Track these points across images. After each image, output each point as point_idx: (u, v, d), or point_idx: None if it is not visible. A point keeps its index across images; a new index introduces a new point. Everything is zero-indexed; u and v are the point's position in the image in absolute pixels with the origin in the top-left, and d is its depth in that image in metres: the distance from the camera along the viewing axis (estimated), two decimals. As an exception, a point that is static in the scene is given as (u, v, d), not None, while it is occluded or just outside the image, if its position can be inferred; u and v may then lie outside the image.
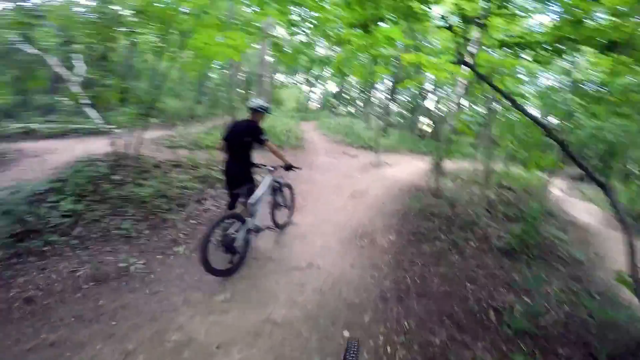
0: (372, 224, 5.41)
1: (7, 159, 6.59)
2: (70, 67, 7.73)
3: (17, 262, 3.30)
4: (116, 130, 7.55)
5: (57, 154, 7.05)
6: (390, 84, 16.87)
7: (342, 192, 6.85)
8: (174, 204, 4.90)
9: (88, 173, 5.23)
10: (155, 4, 4.90)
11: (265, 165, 3.85)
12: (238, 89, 12.66)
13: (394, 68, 15.60)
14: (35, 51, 7.69)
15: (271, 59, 18.43)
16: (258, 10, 5.20)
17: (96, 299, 2.91)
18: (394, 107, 17.46)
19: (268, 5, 4.78)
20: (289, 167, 3.85)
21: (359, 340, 1.36)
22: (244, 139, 3.47)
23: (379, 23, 4.44)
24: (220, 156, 3.97)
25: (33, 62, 9.39)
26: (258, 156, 3.84)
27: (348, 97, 27.78)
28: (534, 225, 5.39)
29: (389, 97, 17.47)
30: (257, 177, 3.90)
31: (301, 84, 26.78)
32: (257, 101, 3.67)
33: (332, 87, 27.39)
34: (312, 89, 28.45)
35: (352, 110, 26.01)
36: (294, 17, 4.67)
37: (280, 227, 4.48)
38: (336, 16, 4.95)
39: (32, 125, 9.06)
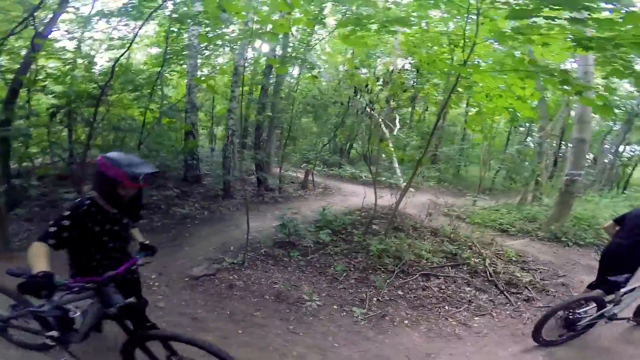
0: None
1: (328, 192, 9.07)
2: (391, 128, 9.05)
3: (260, 260, 4.34)
4: (410, 189, 8.26)
5: (357, 197, 8.65)
6: None
7: None
8: (398, 268, 4.47)
9: (355, 217, 6.09)
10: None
11: None
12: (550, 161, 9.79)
13: None
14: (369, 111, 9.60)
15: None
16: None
17: (258, 310, 3.26)
18: None
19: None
20: None
21: None
22: None
23: None
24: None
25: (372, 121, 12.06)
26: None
27: None
28: None
29: None
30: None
31: None
32: None
33: None
34: None
35: None
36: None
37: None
38: None
39: (357, 172, 11.69)
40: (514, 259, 5.12)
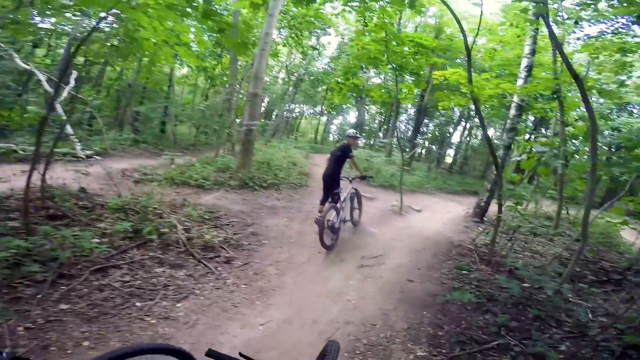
0: (386, 324, 3.11)
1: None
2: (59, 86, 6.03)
3: None
4: (95, 157, 6.26)
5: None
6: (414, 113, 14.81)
7: (348, 259, 4.45)
8: (52, 274, 2.84)
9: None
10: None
11: (347, 177, 5.18)
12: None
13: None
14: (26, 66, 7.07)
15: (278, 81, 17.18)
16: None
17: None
18: (419, 139, 15.12)
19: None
20: (363, 177, 5.32)
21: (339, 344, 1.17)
22: (337, 154, 4.91)
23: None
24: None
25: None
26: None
27: (368, 128, 25.74)
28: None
29: (415, 127, 15.33)
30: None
31: (320, 114, 25.37)
32: (349, 131, 5.39)
33: (352, 117, 25.78)
34: (333, 120, 27.22)
35: (373, 142, 23.60)
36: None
37: (354, 223, 5.60)
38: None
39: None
40: (206, 217, 4.81)
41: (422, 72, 7.06)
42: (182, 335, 2.58)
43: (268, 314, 3.04)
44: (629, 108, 13.76)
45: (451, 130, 20.86)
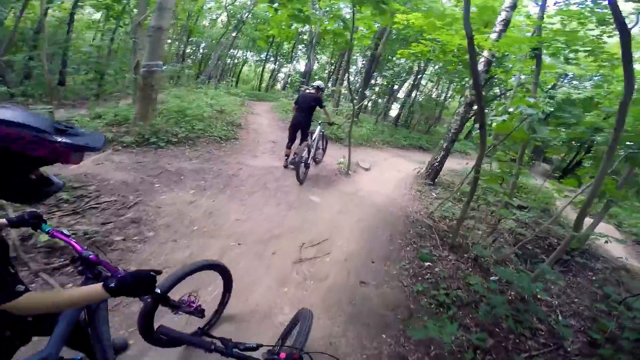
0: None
1: None
2: None
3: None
4: None
5: None
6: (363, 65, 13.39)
7: (282, 251, 3.27)
8: None
9: None
10: None
11: (318, 121, 5.92)
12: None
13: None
14: None
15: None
16: None
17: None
18: (369, 91, 13.90)
19: None
20: (331, 124, 6.10)
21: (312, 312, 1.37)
22: (310, 104, 5.40)
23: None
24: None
25: None
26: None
27: (318, 78, 23.83)
28: None
29: (365, 78, 14.00)
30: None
31: (262, 61, 22.65)
32: (317, 82, 5.60)
33: (301, 66, 23.45)
34: (282, 68, 24.64)
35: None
36: None
37: (317, 162, 6.33)
38: None
39: None
40: (64, 197, 3.15)
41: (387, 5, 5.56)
42: None
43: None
44: (564, 80, 13.88)
45: (398, 85, 19.90)
